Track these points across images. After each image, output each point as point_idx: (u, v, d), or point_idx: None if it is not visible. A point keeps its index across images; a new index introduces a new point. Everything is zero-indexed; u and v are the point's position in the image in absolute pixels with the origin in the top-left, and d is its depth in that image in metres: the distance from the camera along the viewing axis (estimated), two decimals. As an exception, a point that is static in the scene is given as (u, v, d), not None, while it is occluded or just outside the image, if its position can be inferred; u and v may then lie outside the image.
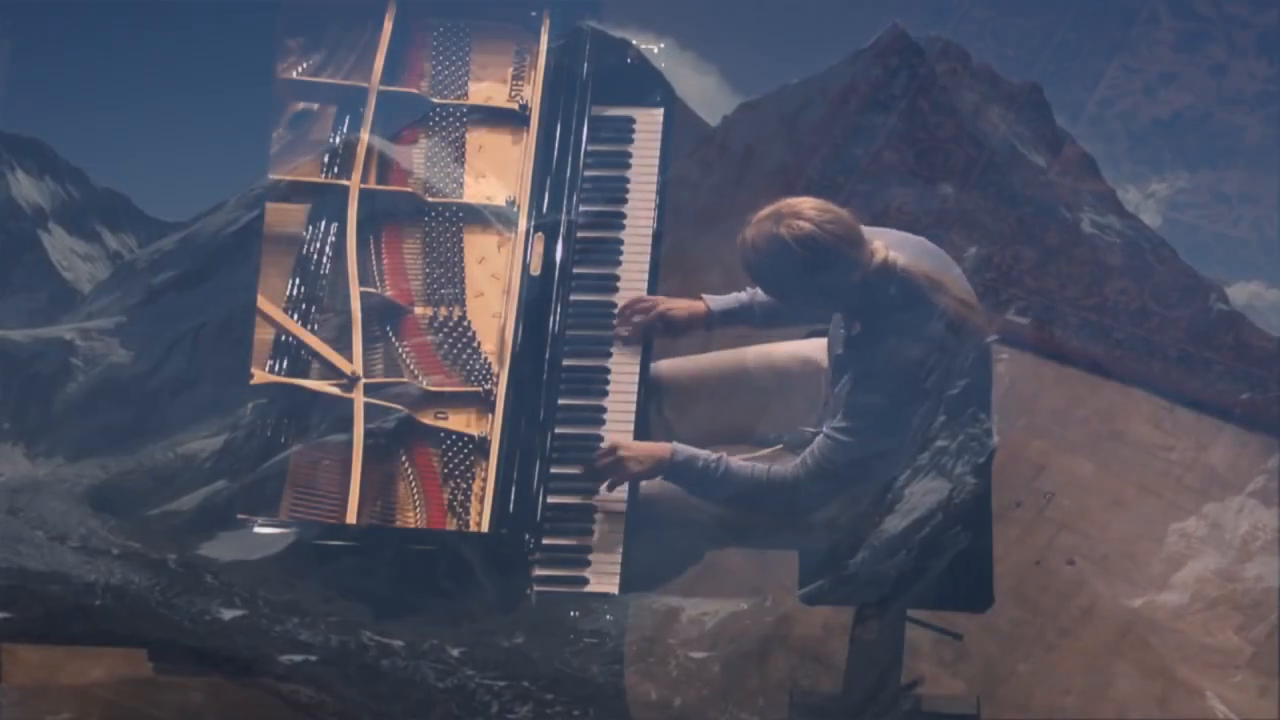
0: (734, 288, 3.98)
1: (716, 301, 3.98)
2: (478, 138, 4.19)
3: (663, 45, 4.33)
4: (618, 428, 3.87)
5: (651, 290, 4.04)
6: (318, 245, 4.04)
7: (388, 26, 4.25)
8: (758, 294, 3.93)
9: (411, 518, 3.78)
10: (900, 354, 3.63)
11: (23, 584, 3.83)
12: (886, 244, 3.66)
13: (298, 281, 4.01)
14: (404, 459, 3.83)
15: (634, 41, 4.30)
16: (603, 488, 3.77)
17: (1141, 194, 5.35)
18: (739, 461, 3.74)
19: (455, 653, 3.79)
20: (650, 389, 3.95)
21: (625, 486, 3.79)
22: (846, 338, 3.71)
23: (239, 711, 3.81)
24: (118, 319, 4.51)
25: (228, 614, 3.79)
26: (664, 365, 4.04)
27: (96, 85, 5.37)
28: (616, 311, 3.99)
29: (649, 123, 4.23)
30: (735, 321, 4.00)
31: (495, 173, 4.14)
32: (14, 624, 3.79)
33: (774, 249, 3.61)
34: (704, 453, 3.75)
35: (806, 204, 3.63)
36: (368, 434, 3.82)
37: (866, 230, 3.70)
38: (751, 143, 3.58)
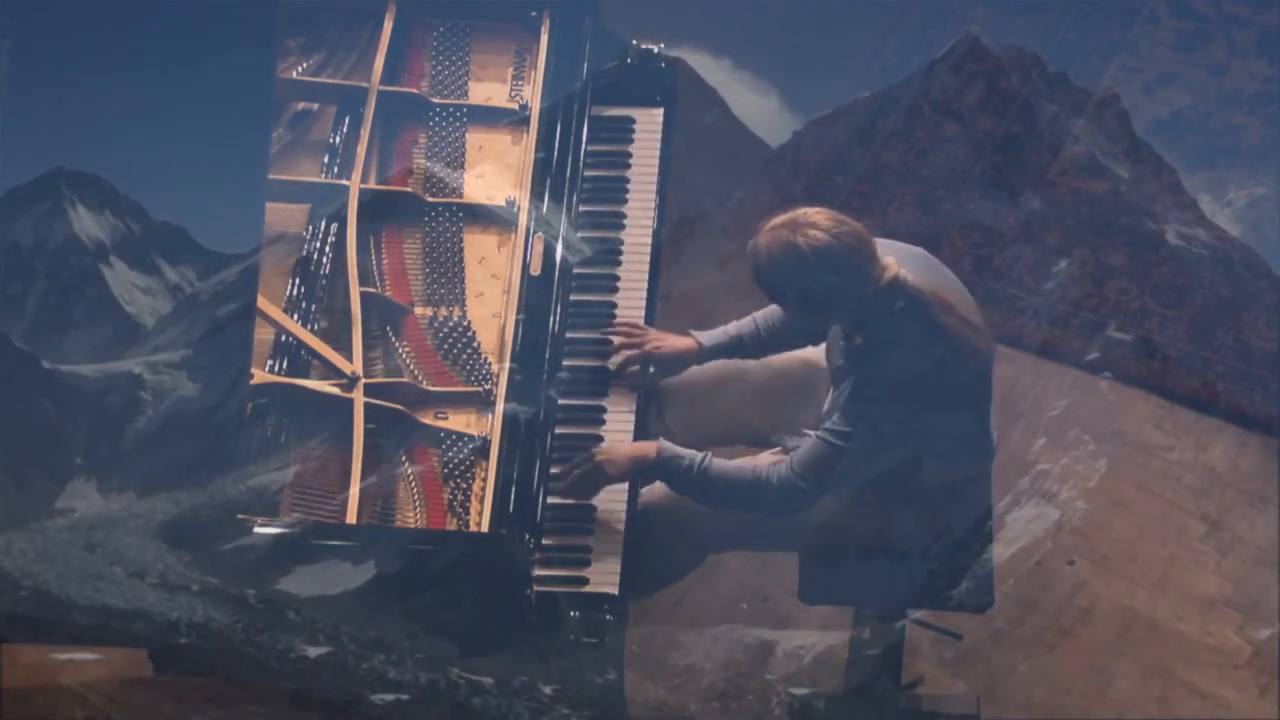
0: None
1: (707, 337, 3.98)
2: (478, 138, 4.19)
3: (662, 45, 4.33)
4: (617, 428, 3.87)
5: (652, 292, 4.04)
6: (318, 245, 4.04)
7: (388, 26, 4.25)
8: (744, 327, 3.94)
9: (411, 518, 3.78)
10: (900, 368, 3.63)
11: (107, 622, 3.80)
12: (896, 260, 3.67)
13: (298, 281, 4.01)
14: (404, 459, 3.83)
15: (635, 42, 4.31)
16: (575, 494, 3.76)
17: (1218, 202, 5.34)
18: (724, 462, 3.73)
19: (548, 690, 3.75)
20: (650, 390, 3.95)
21: (625, 489, 3.79)
22: (847, 349, 3.71)
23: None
24: (184, 352, 4.52)
25: (313, 651, 3.75)
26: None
27: (146, 116, 5.37)
28: (611, 337, 3.97)
29: (649, 123, 4.23)
30: (726, 354, 3.99)
31: (495, 173, 4.14)
32: (106, 664, 3.71)
33: (788, 257, 3.59)
34: (689, 452, 3.73)
35: (821, 215, 3.62)
36: (368, 434, 3.83)
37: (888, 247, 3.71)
38: (825, 158, 3.55)
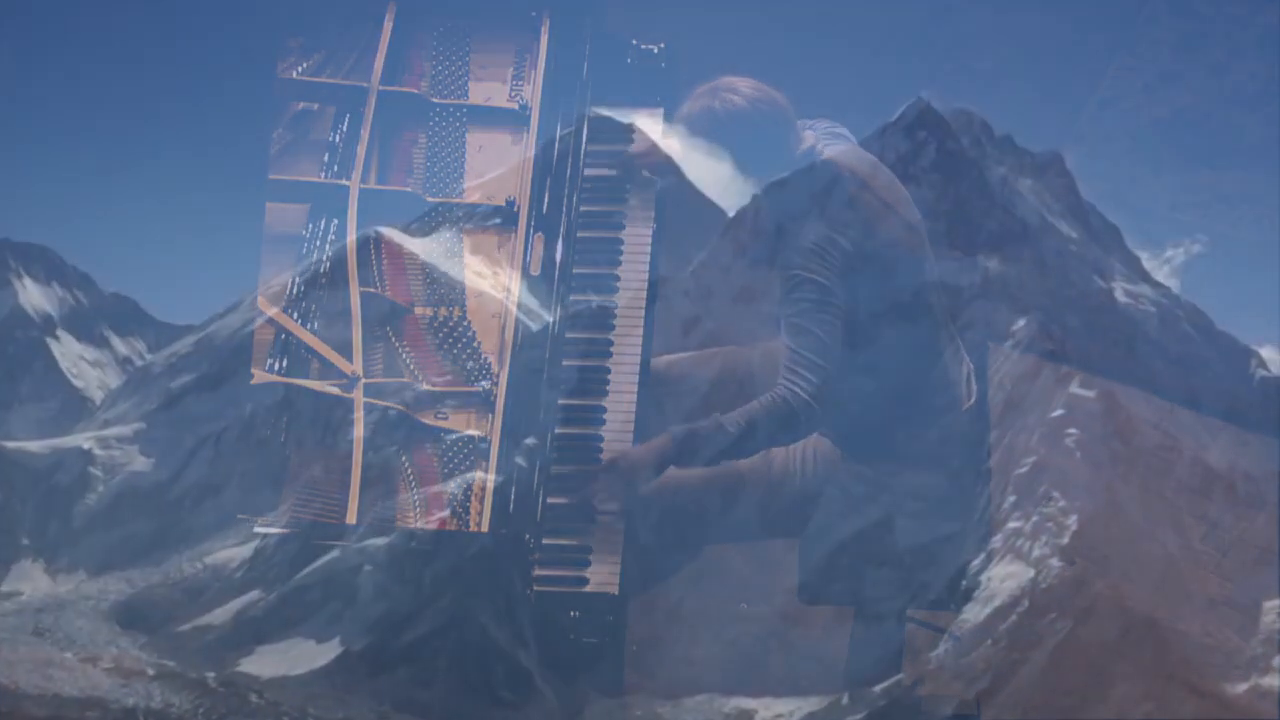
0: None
1: None
2: (478, 138, 4.19)
3: (662, 45, 4.33)
4: (617, 428, 3.87)
5: (651, 292, 4.04)
6: (318, 245, 4.04)
7: (388, 26, 4.25)
8: None
9: (411, 518, 3.78)
10: (810, 224, 3.70)
11: (59, 713, 3.71)
12: (839, 150, 3.78)
13: (298, 281, 4.01)
14: (404, 459, 3.83)
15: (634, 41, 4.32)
16: (610, 506, 3.75)
17: (1157, 260, 5.39)
18: (733, 412, 3.73)
19: None
20: (650, 384, 3.95)
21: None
22: (773, 230, 3.76)
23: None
24: (136, 425, 4.47)
25: None
26: (664, 361, 4.04)
27: (98, 187, 5.33)
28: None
29: (649, 123, 4.23)
30: None
31: (495, 173, 4.14)
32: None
33: (706, 119, 3.76)
34: (698, 423, 3.74)
35: (744, 82, 3.77)
36: (368, 434, 3.83)
37: (825, 129, 3.83)
38: (783, 220, 3.66)
